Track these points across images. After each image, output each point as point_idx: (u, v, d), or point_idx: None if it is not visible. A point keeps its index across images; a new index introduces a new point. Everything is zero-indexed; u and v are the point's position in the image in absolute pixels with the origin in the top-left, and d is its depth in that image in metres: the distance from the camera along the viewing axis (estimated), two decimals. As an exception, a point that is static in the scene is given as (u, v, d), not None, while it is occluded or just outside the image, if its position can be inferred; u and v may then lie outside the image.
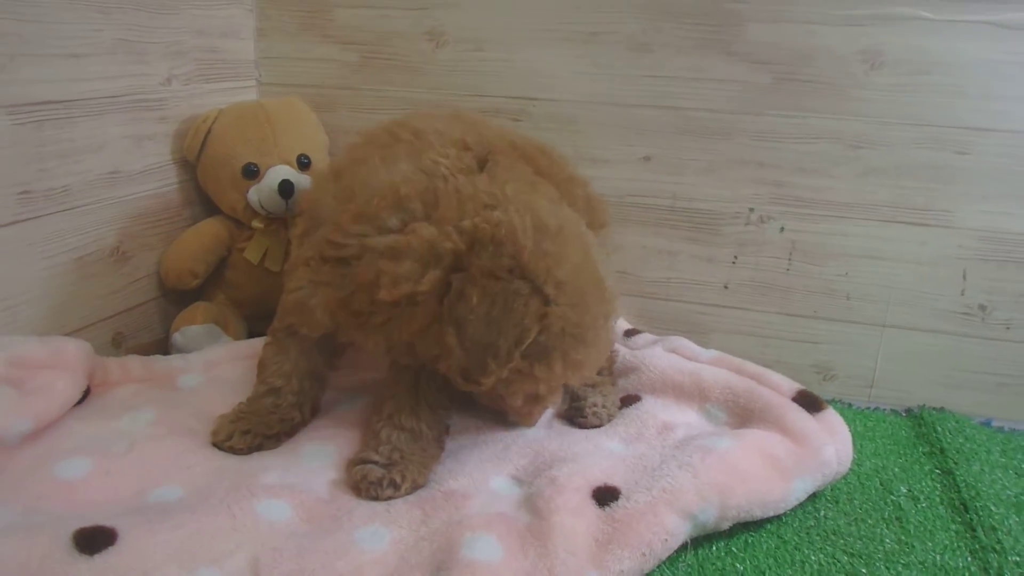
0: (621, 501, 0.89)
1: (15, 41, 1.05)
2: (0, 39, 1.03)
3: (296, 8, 1.50)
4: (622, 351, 1.28)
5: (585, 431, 1.10)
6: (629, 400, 1.17)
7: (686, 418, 1.14)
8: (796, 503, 0.99)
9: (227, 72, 1.46)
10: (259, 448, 0.99)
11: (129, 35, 1.22)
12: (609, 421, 1.13)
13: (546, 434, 1.07)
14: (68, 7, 1.12)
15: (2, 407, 0.90)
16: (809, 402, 1.10)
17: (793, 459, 1.00)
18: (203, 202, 1.42)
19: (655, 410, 1.14)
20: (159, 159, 1.32)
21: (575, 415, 1.13)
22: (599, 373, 1.18)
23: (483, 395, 0.98)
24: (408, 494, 0.93)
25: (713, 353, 1.27)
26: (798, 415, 1.07)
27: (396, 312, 0.88)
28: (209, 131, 1.33)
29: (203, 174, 1.36)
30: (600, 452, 1.03)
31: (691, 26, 1.33)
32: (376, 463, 0.94)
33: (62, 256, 1.15)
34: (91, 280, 1.21)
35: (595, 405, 1.13)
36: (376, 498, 0.91)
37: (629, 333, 1.39)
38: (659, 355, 1.24)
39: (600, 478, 0.94)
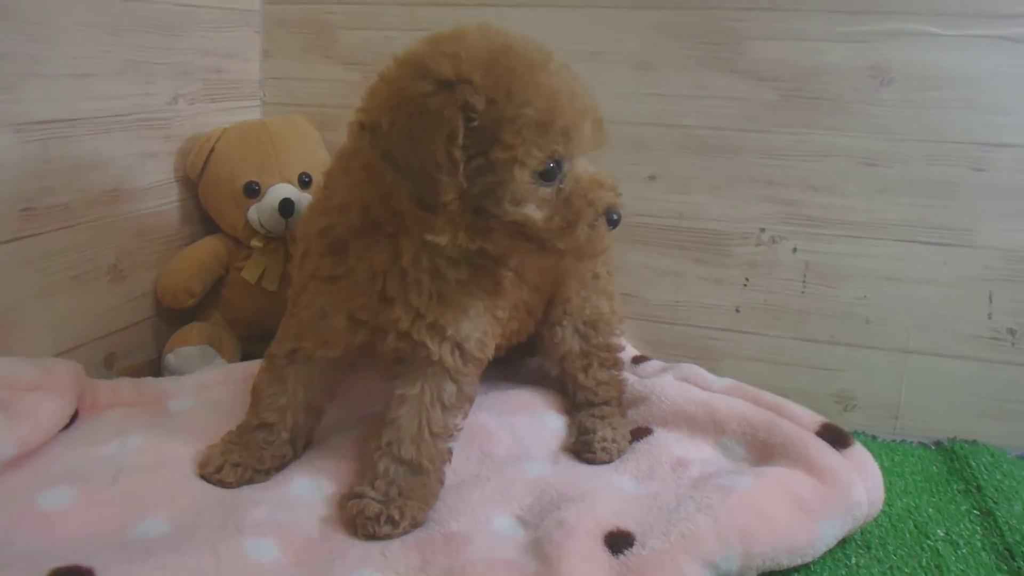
0: (636, 548, 0.84)
1: (26, 61, 1.05)
2: (11, 59, 1.03)
3: (302, 30, 1.51)
4: (631, 379, 1.23)
5: (594, 470, 1.05)
6: (640, 433, 1.13)
7: (701, 453, 1.09)
8: (825, 549, 0.93)
9: (232, 92, 1.46)
10: (249, 482, 0.95)
11: (137, 55, 1.22)
12: (619, 456, 1.09)
13: (552, 470, 1.03)
14: (80, 28, 1.13)
15: None
16: (835, 437, 1.04)
17: (820, 500, 0.94)
18: (202, 221, 1.41)
19: (668, 444, 1.09)
20: (162, 177, 1.32)
21: (583, 450, 1.09)
22: (607, 403, 1.16)
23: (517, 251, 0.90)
24: (406, 533, 0.89)
25: (727, 382, 1.21)
26: (823, 451, 1.01)
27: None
28: (212, 149, 1.33)
29: (205, 192, 1.35)
30: (610, 490, 0.97)
31: (694, 44, 1.31)
32: (373, 498, 0.90)
33: (60, 274, 1.14)
34: (87, 298, 1.20)
35: (604, 440, 1.09)
36: (373, 536, 0.87)
37: (637, 360, 1.34)
38: (670, 384, 1.19)
39: (612, 521, 0.88)
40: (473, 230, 0.85)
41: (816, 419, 1.09)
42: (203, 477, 0.95)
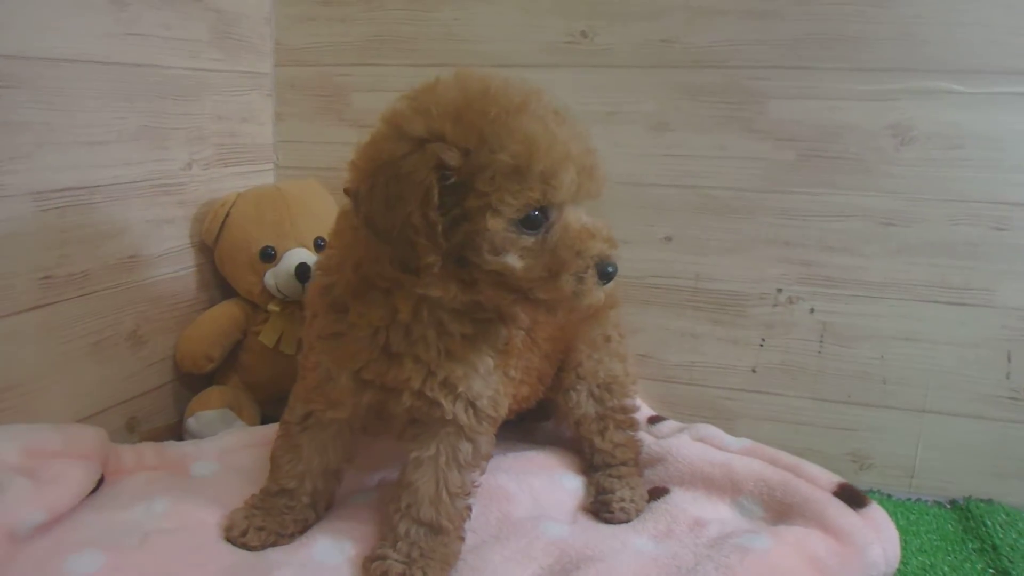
0: None
1: (42, 130, 1.10)
2: (28, 128, 1.08)
3: (314, 93, 1.56)
4: (647, 440, 1.27)
5: (612, 530, 1.09)
6: (657, 492, 1.16)
7: (718, 513, 1.12)
8: None
9: (246, 156, 1.51)
10: (273, 544, 0.99)
11: (152, 122, 1.27)
12: (638, 516, 1.12)
13: (570, 531, 1.06)
14: (95, 96, 1.17)
15: (16, 498, 0.91)
16: (851, 497, 1.08)
17: (837, 560, 0.98)
18: (219, 286, 1.45)
19: (685, 504, 1.12)
20: (177, 243, 1.36)
21: (601, 509, 1.13)
22: (624, 464, 1.19)
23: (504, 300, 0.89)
24: None
25: (744, 442, 1.25)
26: (840, 511, 1.05)
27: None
28: (228, 215, 1.37)
29: (221, 257, 1.39)
30: (628, 551, 1.01)
31: (712, 104, 1.35)
32: (395, 560, 0.93)
33: (80, 341, 1.18)
34: (107, 364, 1.24)
35: (623, 500, 1.12)
36: None
37: (653, 420, 1.38)
38: (687, 444, 1.23)
39: None
40: (461, 281, 0.85)
41: (833, 479, 1.13)
42: (228, 540, 0.99)
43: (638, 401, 1.29)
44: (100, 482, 1.05)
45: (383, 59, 1.52)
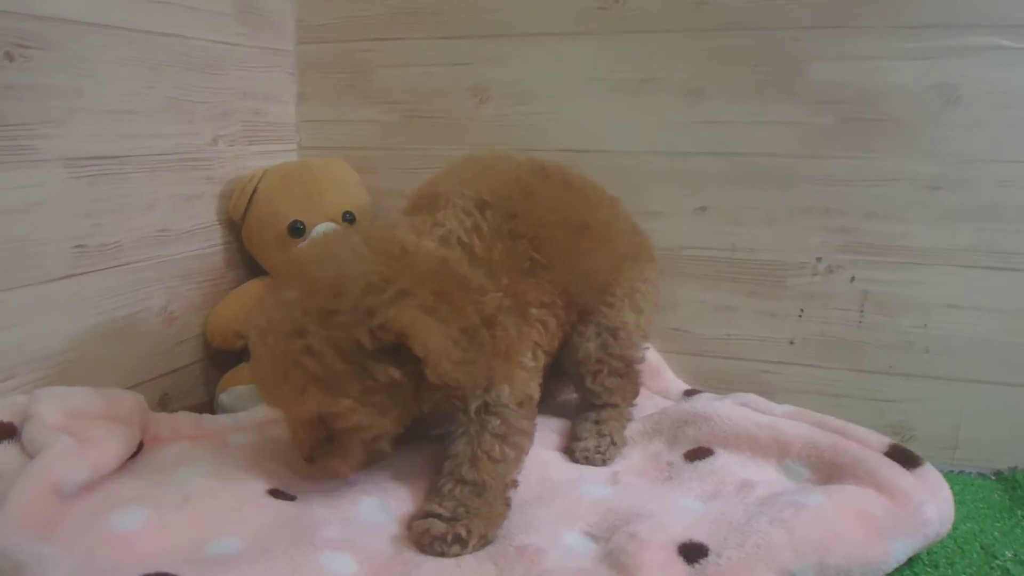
0: (711, 558, 0.89)
1: (73, 96, 1.13)
2: (59, 93, 1.11)
3: (337, 71, 1.59)
4: (683, 404, 1.30)
5: (655, 488, 1.12)
6: (700, 453, 1.18)
7: (765, 475, 1.14)
8: (895, 566, 0.97)
9: (270, 135, 1.55)
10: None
11: (178, 94, 1.31)
12: (604, 464, 1.18)
13: (612, 491, 1.09)
14: (122, 64, 1.20)
15: (61, 456, 0.94)
16: (903, 457, 1.09)
17: (891, 518, 0.99)
18: (247, 265, 1.49)
19: (731, 466, 1.14)
20: (205, 219, 1.40)
21: (568, 454, 1.21)
22: (609, 406, 1.25)
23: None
24: (475, 551, 0.94)
25: (788, 407, 1.25)
26: (892, 471, 1.06)
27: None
28: (255, 190, 1.41)
29: (248, 234, 1.43)
30: (676, 509, 1.03)
31: (748, 69, 1.37)
32: (440, 516, 0.96)
33: (113, 313, 1.22)
34: (139, 340, 1.27)
35: (586, 449, 1.20)
36: (442, 555, 0.93)
37: (689, 393, 1.40)
38: (731, 407, 1.25)
39: (684, 534, 0.93)
40: None
41: (883, 440, 1.15)
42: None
43: (644, 355, 1.32)
44: (139, 448, 1.09)
45: (407, 32, 1.54)
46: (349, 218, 1.44)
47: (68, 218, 1.15)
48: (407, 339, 0.92)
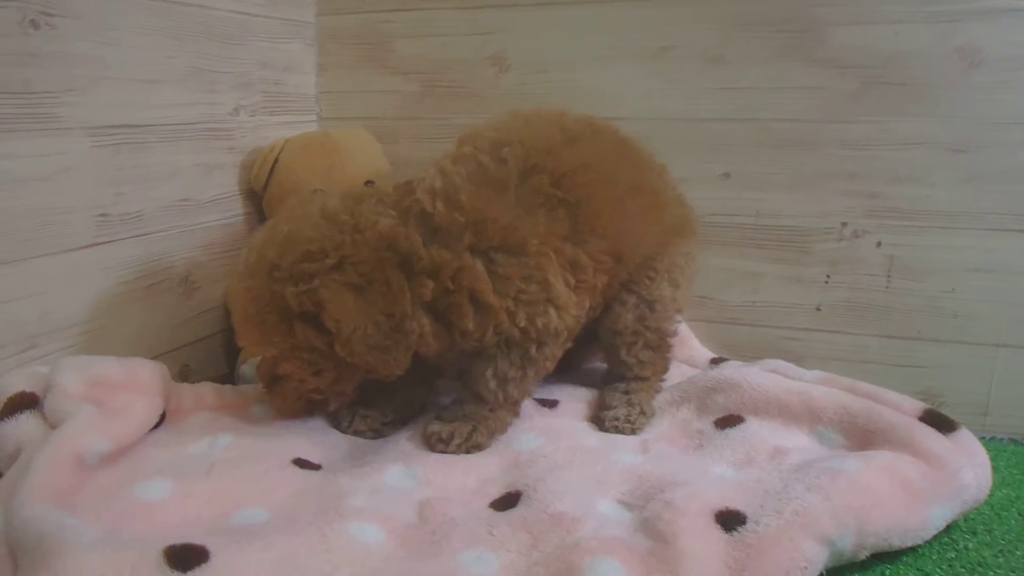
0: (749, 525, 0.85)
1: (97, 64, 1.10)
2: (83, 61, 1.08)
3: (357, 42, 1.55)
4: (711, 372, 1.26)
5: (686, 456, 1.08)
6: (731, 421, 1.14)
7: (797, 442, 1.10)
8: (934, 532, 0.94)
9: (290, 105, 1.51)
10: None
11: (200, 63, 1.27)
12: (633, 433, 1.14)
13: (644, 459, 1.05)
14: (145, 33, 1.17)
15: (83, 425, 0.91)
16: (939, 421, 1.05)
17: (929, 483, 0.95)
18: None
19: (762, 433, 1.10)
20: (226, 189, 1.36)
21: (597, 423, 1.18)
22: (639, 379, 1.21)
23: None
24: (461, 452, 1.04)
25: (817, 373, 1.21)
26: (928, 435, 1.02)
27: None
28: (276, 160, 1.37)
29: (270, 204, 1.39)
30: (710, 477, 0.99)
31: (769, 34, 1.33)
32: (442, 424, 1.06)
33: (135, 283, 1.19)
34: (161, 310, 1.24)
35: (616, 419, 1.15)
36: (432, 450, 1.04)
37: (715, 362, 1.36)
38: (760, 373, 1.21)
39: (719, 502, 0.89)
40: None
41: (917, 405, 1.10)
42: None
43: (678, 328, 1.28)
44: (162, 418, 1.05)
45: (426, 3, 1.51)
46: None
47: (91, 187, 1.12)
48: (322, 311, 0.95)
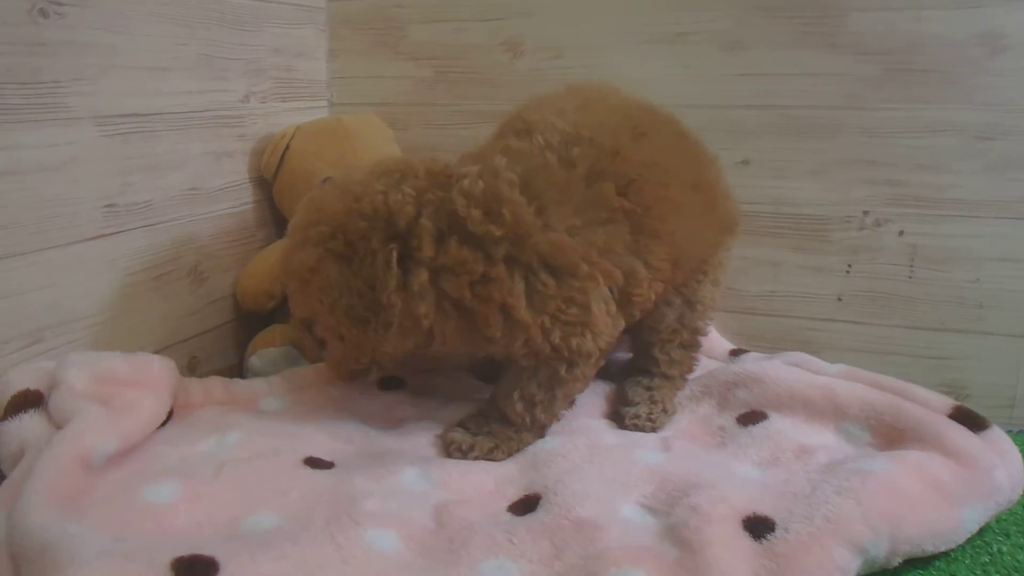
0: (779, 532, 0.80)
1: (107, 52, 1.05)
2: (93, 49, 1.03)
3: (368, 27, 1.50)
4: (731, 366, 1.20)
5: (709, 455, 1.03)
6: (753, 417, 1.09)
7: (823, 439, 1.05)
8: (968, 535, 0.89)
9: (302, 92, 1.46)
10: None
11: (211, 51, 1.22)
12: (653, 431, 1.08)
13: (666, 458, 0.99)
14: (155, 20, 1.12)
15: (90, 425, 0.86)
16: (970, 420, 1.00)
17: (960, 484, 0.90)
18: (277, 223, 1.40)
19: (787, 430, 1.05)
20: (236, 177, 1.31)
21: (616, 419, 1.12)
22: (664, 376, 1.15)
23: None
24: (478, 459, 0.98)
25: (841, 367, 1.17)
26: (959, 433, 0.97)
27: None
28: (287, 148, 1.32)
29: (280, 191, 1.34)
30: (735, 478, 0.94)
31: (788, 19, 1.28)
32: (463, 432, 1.01)
33: (143, 274, 1.14)
34: (169, 301, 1.19)
35: (637, 416, 1.09)
36: (449, 455, 0.99)
37: (735, 353, 1.31)
38: (782, 367, 1.15)
39: (747, 506, 0.84)
40: None
41: (946, 402, 1.05)
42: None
43: (711, 327, 1.24)
44: (170, 415, 1.00)
45: (441, -15, 1.46)
46: (383, 176, 1.34)
47: (99, 177, 1.07)
48: (314, 278, 0.93)
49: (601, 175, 0.97)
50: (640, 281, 0.99)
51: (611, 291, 0.97)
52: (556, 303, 0.93)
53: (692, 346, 1.17)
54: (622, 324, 1.02)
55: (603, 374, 1.22)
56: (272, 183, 1.36)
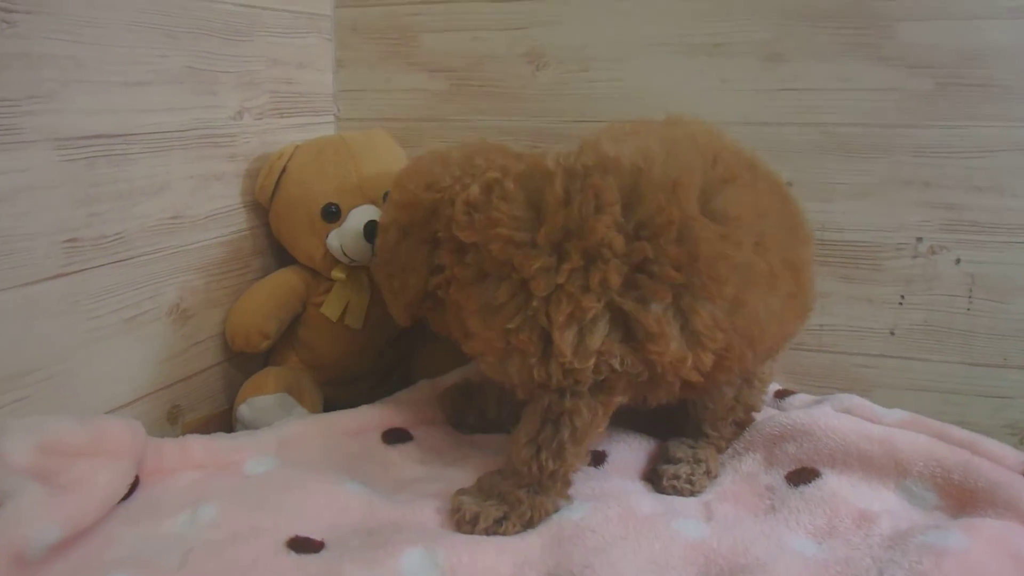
0: None
1: (69, 65, 0.89)
2: (51, 62, 0.87)
3: (379, 36, 1.35)
4: (777, 415, 1.03)
5: (758, 523, 0.86)
6: (805, 476, 0.93)
7: (884, 502, 0.90)
8: None
9: (304, 106, 1.30)
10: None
11: (198, 63, 1.07)
12: (692, 495, 0.93)
13: (710, 530, 0.83)
14: (132, 29, 0.96)
15: (25, 511, 0.69)
16: None
17: None
18: (275, 251, 1.24)
19: (843, 491, 0.89)
20: (227, 202, 1.15)
21: (654, 478, 0.97)
22: (708, 437, 0.99)
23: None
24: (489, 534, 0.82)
25: (900, 414, 1.01)
26: None
27: None
28: (284, 169, 1.16)
29: (276, 218, 1.18)
30: (788, 555, 0.78)
31: (833, 30, 1.14)
32: (469, 499, 0.86)
33: (112, 316, 0.97)
34: (145, 344, 1.03)
35: (676, 477, 0.94)
36: (459, 531, 0.83)
37: (781, 395, 1.14)
38: (834, 416, 0.99)
39: None
40: None
41: (1021, 457, 0.91)
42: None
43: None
44: (134, 485, 0.83)
45: (458, -7, 1.33)
46: (390, 199, 1.16)
47: (59, 208, 0.90)
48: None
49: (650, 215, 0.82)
50: (655, 337, 0.80)
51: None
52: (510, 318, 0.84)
53: (745, 424, 1.04)
54: (631, 363, 0.83)
55: (638, 424, 1.06)
56: (268, 208, 1.20)
